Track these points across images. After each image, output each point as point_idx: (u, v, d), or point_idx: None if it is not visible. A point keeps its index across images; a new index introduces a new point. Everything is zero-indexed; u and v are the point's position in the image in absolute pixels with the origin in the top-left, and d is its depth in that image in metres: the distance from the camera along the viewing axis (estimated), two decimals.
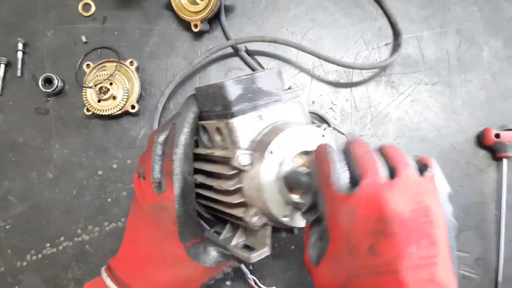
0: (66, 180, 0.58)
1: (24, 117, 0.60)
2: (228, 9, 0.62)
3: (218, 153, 0.39)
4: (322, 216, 0.32)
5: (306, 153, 0.38)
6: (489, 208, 0.57)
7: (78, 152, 0.59)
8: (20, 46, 0.60)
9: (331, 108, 0.60)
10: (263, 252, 0.37)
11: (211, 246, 0.41)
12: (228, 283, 0.55)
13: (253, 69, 0.60)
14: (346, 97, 0.60)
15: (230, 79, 0.38)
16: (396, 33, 0.61)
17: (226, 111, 0.38)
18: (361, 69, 0.59)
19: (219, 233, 0.43)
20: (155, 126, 0.57)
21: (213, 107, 0.40)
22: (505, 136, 0.56)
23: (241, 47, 0.60)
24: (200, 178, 0.42)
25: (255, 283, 0.54)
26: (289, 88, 0.43)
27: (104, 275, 0.42)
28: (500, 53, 0.61)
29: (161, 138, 0.42)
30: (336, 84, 0.61)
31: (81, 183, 0.58)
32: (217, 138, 0.40)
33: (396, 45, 0.61)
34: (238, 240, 0.41)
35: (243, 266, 0.54)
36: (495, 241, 0.56)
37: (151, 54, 0.61)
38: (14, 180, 0.58)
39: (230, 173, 0.37)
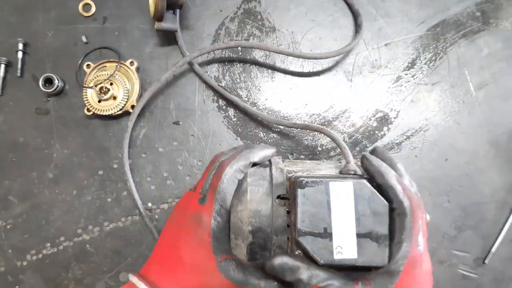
0: (66, 180, 0.58)
1: (24, 117, 0.60)
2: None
3: None
4: None
5: None
6: (489, 208, 0.57)
7: (78, 152, 0.59)
8: (20, 46, 0.60)
9: (331, 106, 0.60)
10: None
11: (241, 266, 0.43)
12: None
13: (206, 82, 0.60)
14: (345, 97, 0.60)
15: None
16: (355, 14, 0.61)
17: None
18: (326, 57, 0.58)
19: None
20: (125, 146, 0.56)
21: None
22: None
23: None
24: None
25: None
26: None
27: (134, 279, 0.42)
28: (500, 53, 0.61)
29: (223, 159, 0.44)
30: (335, 85, 0.61)
31: (82, 183, 0.58)
32: None
33: (357, 27, 0.61)
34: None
35: None
36: (494, 241, 0.56)
37: (151, 54, 0.61)
38: (14, 180, 0.58)
39: None
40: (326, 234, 0.40)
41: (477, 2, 0.63)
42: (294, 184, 0.42)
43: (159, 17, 0.55)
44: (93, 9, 0.62)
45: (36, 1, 0.62)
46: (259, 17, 0.62)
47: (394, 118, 0.60)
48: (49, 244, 0.57)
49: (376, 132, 0.59)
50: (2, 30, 0.62)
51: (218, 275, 0.41)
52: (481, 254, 0.56)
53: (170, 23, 0.57)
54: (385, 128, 0.60)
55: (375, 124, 0.60)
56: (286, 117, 0.60)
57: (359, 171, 0.45)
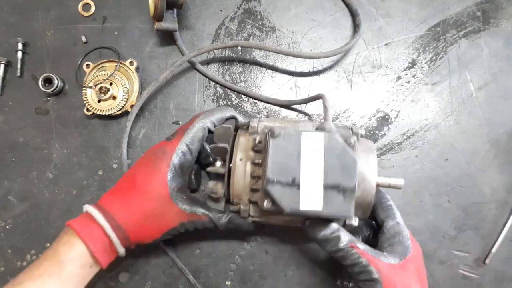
0: (66, 180, 0.58)
1: (24, 117, 0.60)
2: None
3: None
4: None
5: None
6: (489, 208, 0.57)
7: (78, 152, 0.59)
8: (20, 46, 0.60)
9: (331, 106, 0.60)
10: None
11: (191, 199, 0.47)
12: (228, 283, 0.55)
13: (210, 78, 0.60)
14: (345, 97, 0.60)
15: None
16: (353, 14, 0.61)
17: None
18: (324, 57, 0.58)
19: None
20: (124, 146, 0.56)
21: None
22: None
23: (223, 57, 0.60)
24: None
25: None
26: None
27: (89, 208, 0.44)
28: (500, 53, 0.61)
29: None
30: (335, 85, 0.61)
31: (81, 183, 0.58)
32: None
33: (355, 26, 0.61)
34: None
35: None
36: (495, 241, 0.56)
37: (151, 54, 0.61)
38: (14, 180, 0.58)
39: None
40: (294, 184, 0.41)
41: (477, 2, 0.63)
42: (267, 135, 0.43)
43: (159, 17, 0.55)
44: (93, 9, 0.62)
45: (36, 1, 0.62)
46: (259, 17, 0.62)
47: (394, 118, 0.60)
48: (48, 244, 0.57)
49: (377, 132, 0.59)
50: (2, 30, 0.62)
51: (169, 201, 0.44)
52: (481, 254, 0.56)
53: (170, 23, 0.57)
54: (385, 128, 0.59)
55: (375, 124, 0.60)
56: (286, 116, 0.60)
57: (334, 128, 0.45)
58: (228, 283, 0.55)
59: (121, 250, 0.44)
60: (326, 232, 0.42)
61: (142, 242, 0.46)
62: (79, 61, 0.60)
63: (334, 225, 0.42)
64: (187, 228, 0.47)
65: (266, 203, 0.42)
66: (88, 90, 0.57)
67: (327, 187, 0.41)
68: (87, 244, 0.42)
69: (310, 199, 0.41)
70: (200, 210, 0.46)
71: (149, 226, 0.45)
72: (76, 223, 0.43)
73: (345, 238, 0.42)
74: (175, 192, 0.45)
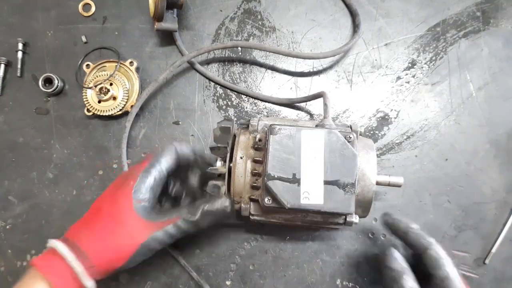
0: (66, 180, 0.58)
1: (24, 117, 0.60)
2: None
3: None
4: None
5: None
6: (489, 208, 0.57)
7: (78, 152, 0.59)
8: (20, 46, 0.60)
9: (331, 106, 0.60)
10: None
11: (157, 209, 0.46)
12: (228, 283, 0.55)
13: (210, 79, 0.60)
14: (345, 97, 0.60)
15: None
16: (353, 14, 0.61)
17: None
18: (324, 57, 0.58)
19: None
20: (123, 146, 0.56)
21: None
22: None
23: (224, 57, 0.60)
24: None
25: None
26: None
27: (55, 243, 0.41)
28: (500, 53, 0.61)
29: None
30: (335, 85, 0.61)
31: (81, 183, 0.58)
32: None
33: (355, 26, 0.61)
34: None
35: None
36: (495, 241, 0.56)
37: (151, 54, 0.61)
38: (14, 180, 0.58)
39: None
40: (295, 180, 0.41)
41: (477, 2, 0.63)
42: (267, 132, 0.43)
43: (159, 17, 0.55)
44: (93, 9, 0.62)
45: (36, 1, 0.62)
46: (259, 17, 0.62)
47: (394, 118, 0.60)
48: None
49: (376, 132, 0.59)
50: (2, 30, 0.62)
51: (134, 215, 0.42)
52: (481, 254, 0.56)
53: (170, 23, 0.57)
54: (385, 128, 0.59)
55: (375, 124, 0.60)
56: (285, 116, 0.60)
57: (334, 126, 0.45)
58: (228, 283, 0.55)
59: (88, 283, 0.41)
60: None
61: (112, 267, 0.42)
62: (79, 61, 0.60)
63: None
64: (161, 242, 0.43)
65: (267, 200, 0.42)
66: (88, 90, 0.57)
67: (328, 183, 0.41)
68: (49, 281, 0.39)
69: (311, 194, 0.41)
70: (169, 215, 0.43)
71: (115, 244, 0.41)
72: (39, 260, 0.41)
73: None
74: (140, 205, 0.42)
